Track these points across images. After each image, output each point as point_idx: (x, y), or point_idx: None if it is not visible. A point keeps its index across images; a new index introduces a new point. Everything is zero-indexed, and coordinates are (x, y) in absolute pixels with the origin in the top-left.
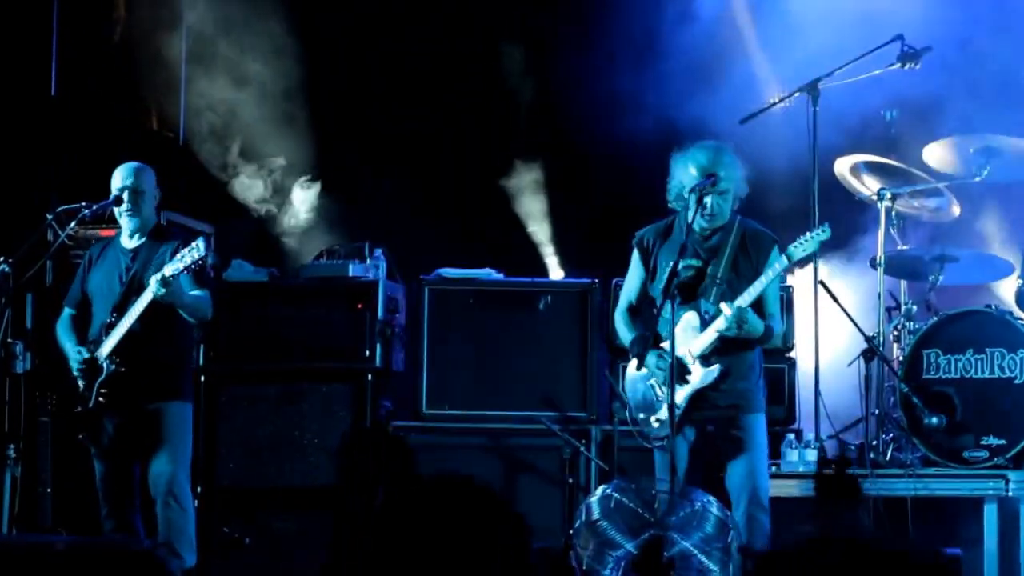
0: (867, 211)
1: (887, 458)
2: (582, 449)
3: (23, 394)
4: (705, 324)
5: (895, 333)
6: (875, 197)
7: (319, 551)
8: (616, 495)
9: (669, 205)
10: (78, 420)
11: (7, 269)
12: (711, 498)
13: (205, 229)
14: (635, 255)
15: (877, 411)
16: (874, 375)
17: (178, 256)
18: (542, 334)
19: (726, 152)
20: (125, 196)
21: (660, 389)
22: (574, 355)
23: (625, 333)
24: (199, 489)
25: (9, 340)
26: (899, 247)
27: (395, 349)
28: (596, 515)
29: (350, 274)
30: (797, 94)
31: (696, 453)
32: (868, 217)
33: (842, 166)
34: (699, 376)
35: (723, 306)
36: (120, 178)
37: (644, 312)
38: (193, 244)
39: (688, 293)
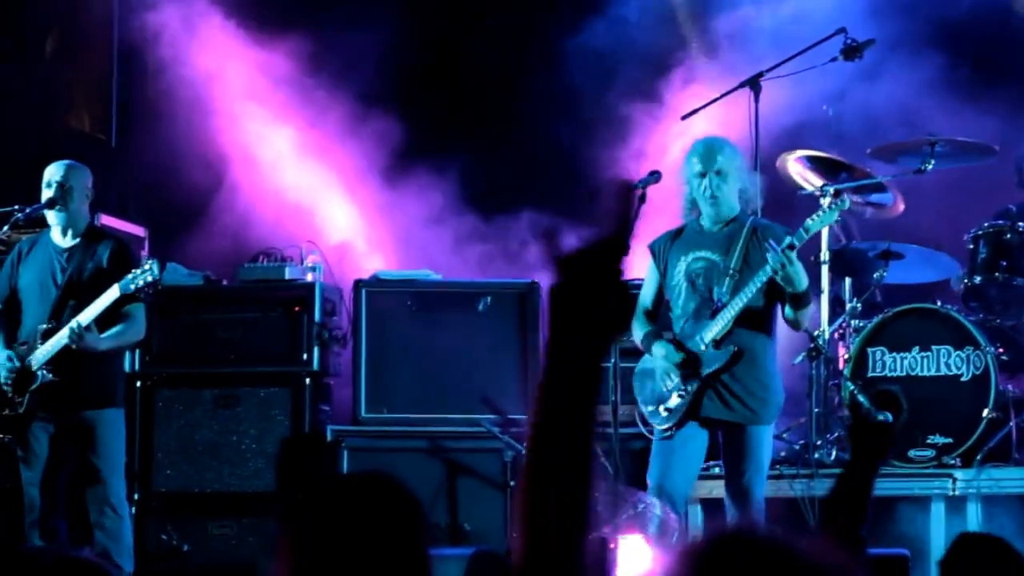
0: (810, 207)
1: (832, 458)
2: (523, 452)
3: None
4: (717, 313)
5: (840, 331)
6: (818, 193)
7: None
8: None
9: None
10: (5, 423)
11: None
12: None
13: (139, 233)
14: (650, 261)
15: (820, 410)
16: (819, 374)
17: (123, 281)
18: (482, 336)
19: (725, 142)
20: (52, 192)
21: (670, 379)
22: (514, 356)
23: (637, 332)
24: (136, 495)
25: None
26: (842, 243)
27: (333, 352)
28: None
29: (287, 277)
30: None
31: (695, 452)
32: (811, 213)
33: (785, 162)
34: (711, 359)
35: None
36: (49, 174)
37: (661, 317)
38: (146, 267)
39: (700, 285)
